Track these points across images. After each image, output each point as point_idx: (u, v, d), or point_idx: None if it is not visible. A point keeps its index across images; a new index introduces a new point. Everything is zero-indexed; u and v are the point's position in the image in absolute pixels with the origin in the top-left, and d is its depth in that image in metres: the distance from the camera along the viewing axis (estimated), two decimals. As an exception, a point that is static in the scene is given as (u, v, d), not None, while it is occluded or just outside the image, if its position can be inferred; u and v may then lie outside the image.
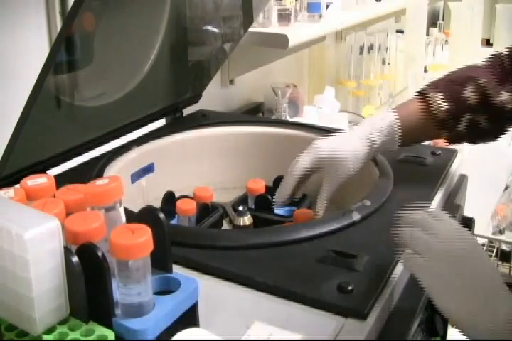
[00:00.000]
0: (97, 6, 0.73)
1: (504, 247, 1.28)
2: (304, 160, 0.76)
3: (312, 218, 0.84)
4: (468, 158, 1.30)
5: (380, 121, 0.77)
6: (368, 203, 0.72)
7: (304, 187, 0.80)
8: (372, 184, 0.79)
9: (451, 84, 0.77)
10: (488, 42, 2.63)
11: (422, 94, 0.78)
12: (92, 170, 0.82)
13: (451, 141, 0.81)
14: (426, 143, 1.42)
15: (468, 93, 0.75)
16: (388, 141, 0.77)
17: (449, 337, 1.01)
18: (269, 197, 0.91)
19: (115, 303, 0.47)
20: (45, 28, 0.89)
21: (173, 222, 0.89)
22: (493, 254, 1.29)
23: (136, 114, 0.95)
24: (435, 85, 0.78)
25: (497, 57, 0.79)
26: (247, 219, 0.83)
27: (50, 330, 0.46)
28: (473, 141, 0.80)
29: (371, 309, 0.55)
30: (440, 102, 0.75)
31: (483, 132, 0.77)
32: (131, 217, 0.53)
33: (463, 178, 0.91)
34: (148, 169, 0.94)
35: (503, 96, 0.74)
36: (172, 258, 0.52)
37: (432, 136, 0.80)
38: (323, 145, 0.76)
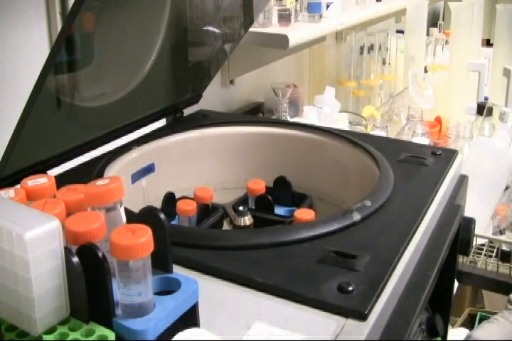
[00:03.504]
0: (97, 6, 0.73)
1: (504, 247, 1.28)
2: None
3: (312, 218, 0.84)
4: (469, 158, 1.30)
5: None
6: (368, 203, 0.72)
7: None
8: (373, 184, 0.79)
9: None
10: (488, 43, 2.63)
11: None
12: (93, 170, 0.82)
13: None
14: (426, 143, 1.42)
15: None
16: None
17: (449, 337, 1.01)
18: (270, 198, 0.91)
19: (115, 303, 0.47)
20: (45, 28, 0.90)
21: (174, 222, 0.89)
22: (494, 254, 1.29)
23: (137, 114, 0.95)
24: None
25: None
26: (247, 220, 0.83)
27: (50, 330, 0.46)
28: None
29: (371, 309, 0.55)
30: None
31: None
32: (132, 217, 0.53)
33: (463, 178, 0.91)
34: (149, 169, 0.94)
35: None
36: (172, 258, 0.52)
37: None
38: None
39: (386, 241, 0.65)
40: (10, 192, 0.53)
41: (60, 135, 0.79)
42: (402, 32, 2.04)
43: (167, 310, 0.48)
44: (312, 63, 1.81)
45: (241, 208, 0.84)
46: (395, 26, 2.10)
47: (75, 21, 0.63)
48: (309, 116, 1.50)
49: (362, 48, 1.81)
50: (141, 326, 0.46)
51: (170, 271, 0.52)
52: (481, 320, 1.65)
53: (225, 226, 0.89)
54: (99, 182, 0.51)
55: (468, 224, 0.87)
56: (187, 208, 0.86)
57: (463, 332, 1.55)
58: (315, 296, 0.56)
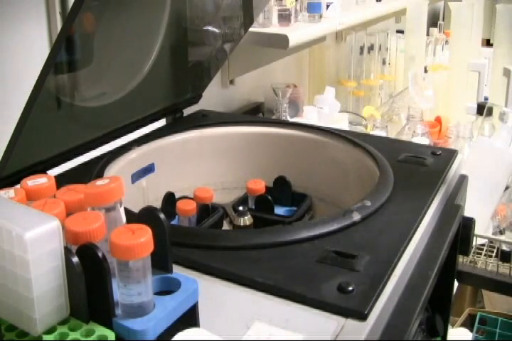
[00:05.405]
0: (97, 6, 0.73)
1: (504, 247, 1.28)
2: None
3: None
4: (469, 158, 1.30)
5: None
6: (368, 203, 0.72)
7: None
8: (373, 184, 0.79)
9: None
10: (488, 43, 2.63)
11: None
12: (93, 171, 0.82)
13: None
14: (426, 143, 1.42)
15: None
16: None
17: (449, 337, 1.01)
18: (270, 198, 0.91)
19: (115, 303, 0.47)
20: (45, 28, 0.90)
21: (174, 222, 0.89)
22: (494, 254, 1.29)
23: (137, 114, 0.95)
24: None
25: None
26: (247, 220, 0.83)
27: (50, 330, 0.46)
28: None
29: (371, 309, 0.55)
30: None
31: None
32: (132, 217, 0.53)
33: (463, 178, 0.91)
34: (149, 169, 0.94)
35: None
36: (172, 258, 0.52)
37: None
38: None
39: (386, 241, 0.65)
40: (10, 192, 0.53)
41: (60, 135, 0.79)
42: (402, 32, 2.04)
43: (167, 310, 0.48)
44: (312, 63, 1.81)
45: (241, 208, 0.84)
46: (395, 26, 2.10)
47: (75, 21, 0.63)
48: (309, 116, 1.50)
49: (362, 48, 1.81)
50: (141, 326, 0.46)
51: (170, 271, 0.52)
52: (480, 320, 1.65)
53: (225, 226, 0.89)
54: (99, 182, 0.51)
55: (468, 224, 0.87)
56: (187, 208, 0.86)
57: (463, 332, 1.56)
58: (315, 296, 0.56)
